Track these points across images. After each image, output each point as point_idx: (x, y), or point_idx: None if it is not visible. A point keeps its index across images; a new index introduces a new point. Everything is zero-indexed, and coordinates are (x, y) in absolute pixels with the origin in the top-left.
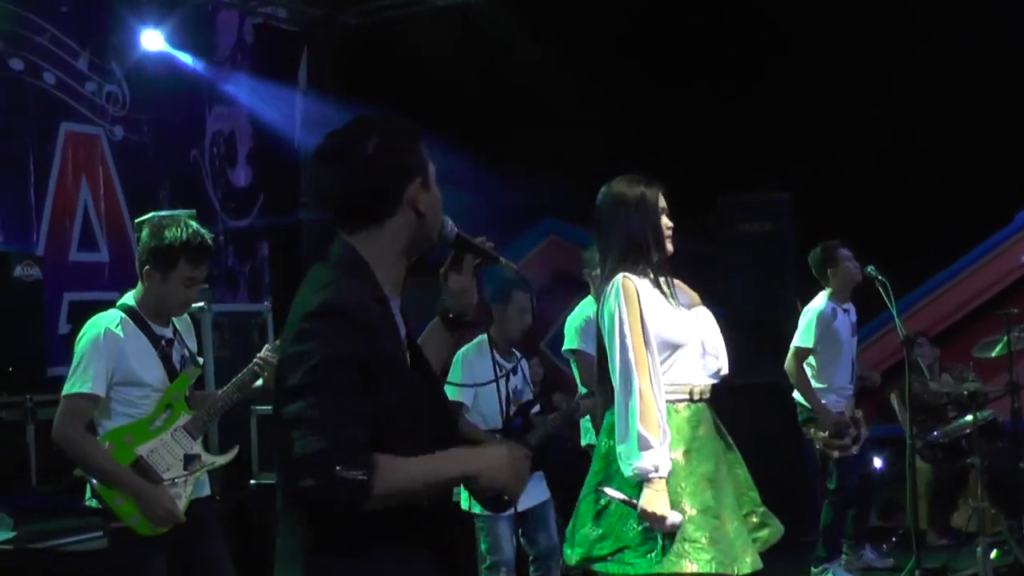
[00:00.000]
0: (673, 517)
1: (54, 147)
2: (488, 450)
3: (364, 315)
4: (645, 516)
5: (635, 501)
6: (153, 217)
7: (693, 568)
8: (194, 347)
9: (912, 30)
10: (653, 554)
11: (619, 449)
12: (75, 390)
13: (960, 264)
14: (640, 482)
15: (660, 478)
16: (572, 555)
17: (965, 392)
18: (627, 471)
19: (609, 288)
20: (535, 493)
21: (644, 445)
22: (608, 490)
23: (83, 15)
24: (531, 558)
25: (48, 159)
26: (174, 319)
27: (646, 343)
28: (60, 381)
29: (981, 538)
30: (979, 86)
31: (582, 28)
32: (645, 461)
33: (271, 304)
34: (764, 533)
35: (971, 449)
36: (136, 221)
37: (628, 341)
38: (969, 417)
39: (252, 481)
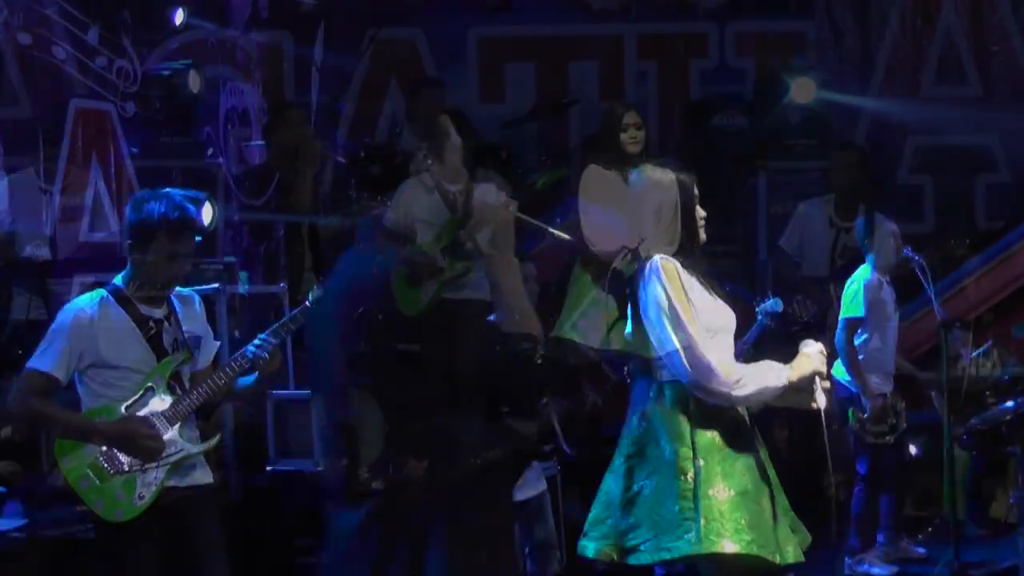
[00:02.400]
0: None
1: (63, 124)
2: None
3: None
4: (803, 384)
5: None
6: (136, 194)
7: (733, 548)
8: (200, 331)
9: None
10: (691, 535)
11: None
12: (33, 366)
13: (999, 246)
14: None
15: (787, 376)
16: (589, 547)
17: (1006, 377)
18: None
19: (647, 271)
20: (533, 483)
21: (749, 382)
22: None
23: None
24: (527, 550)
25: (57, 136)
26: (176, 301)
27: (696, 320)
28: None
29: (1021, 529)
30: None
31: None
32: (765, 388)
33: (287, 286)
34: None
35: (1011, 437)
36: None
37: (683, 319)
38: (1010, 403)
39: (268, 468)
